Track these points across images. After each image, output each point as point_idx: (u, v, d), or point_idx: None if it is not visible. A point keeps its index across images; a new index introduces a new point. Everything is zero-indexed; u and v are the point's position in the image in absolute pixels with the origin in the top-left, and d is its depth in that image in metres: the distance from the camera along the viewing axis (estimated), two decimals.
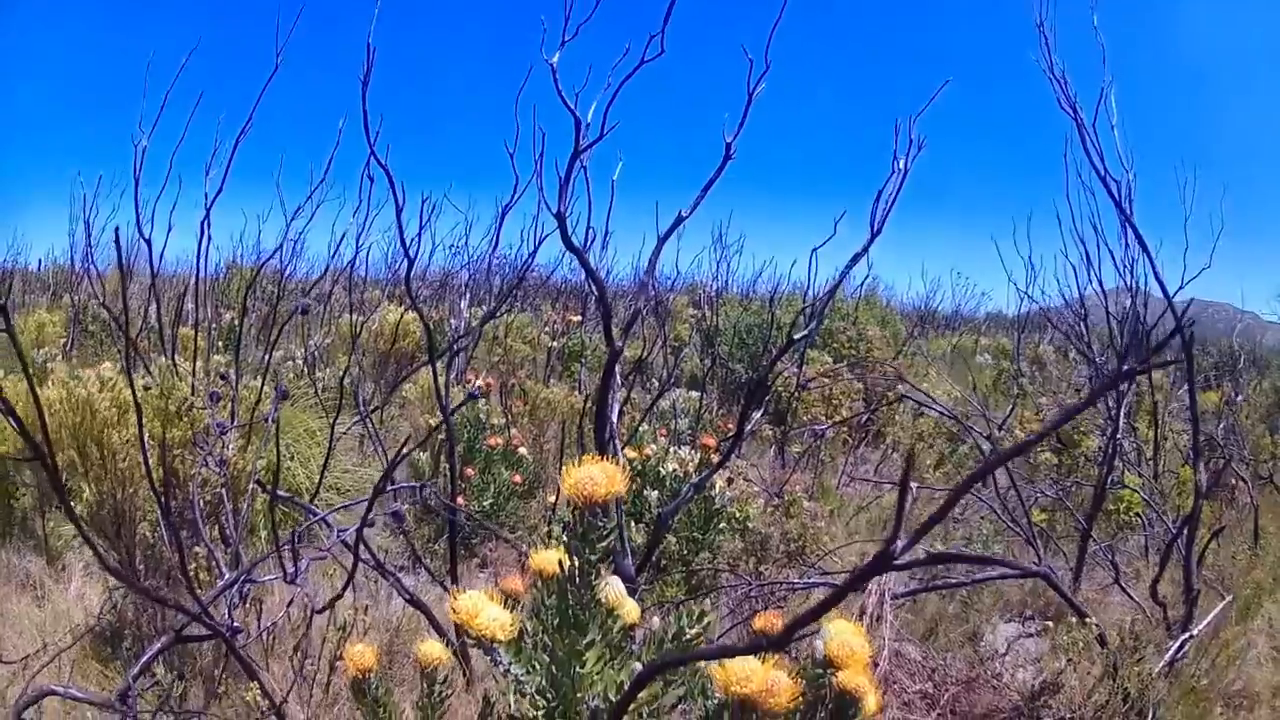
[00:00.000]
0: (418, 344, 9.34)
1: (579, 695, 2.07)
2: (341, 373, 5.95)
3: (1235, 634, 3.83)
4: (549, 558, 2.21)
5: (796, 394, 8.26)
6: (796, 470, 6.60)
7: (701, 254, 22.85)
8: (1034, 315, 14.24)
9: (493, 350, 9.92)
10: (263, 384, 5.06)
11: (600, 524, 2.01)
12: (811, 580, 4.01)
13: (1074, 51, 4.57)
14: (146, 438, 3.50)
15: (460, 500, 4.85)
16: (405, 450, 2.87)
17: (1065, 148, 4.73)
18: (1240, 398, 9.43)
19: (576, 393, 8.16)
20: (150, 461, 3.30)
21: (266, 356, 6.06)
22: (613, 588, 2.06)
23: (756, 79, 3.65)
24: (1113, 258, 5.49)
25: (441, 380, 3.95)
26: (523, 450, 6.21)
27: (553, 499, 5.43)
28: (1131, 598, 4.25)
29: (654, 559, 4.45)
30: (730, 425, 6.36)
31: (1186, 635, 3.64)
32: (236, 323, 8.15)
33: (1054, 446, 7.04)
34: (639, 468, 5.35)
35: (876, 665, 3.33)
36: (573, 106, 3.60)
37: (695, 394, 8.13)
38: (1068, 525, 5.95)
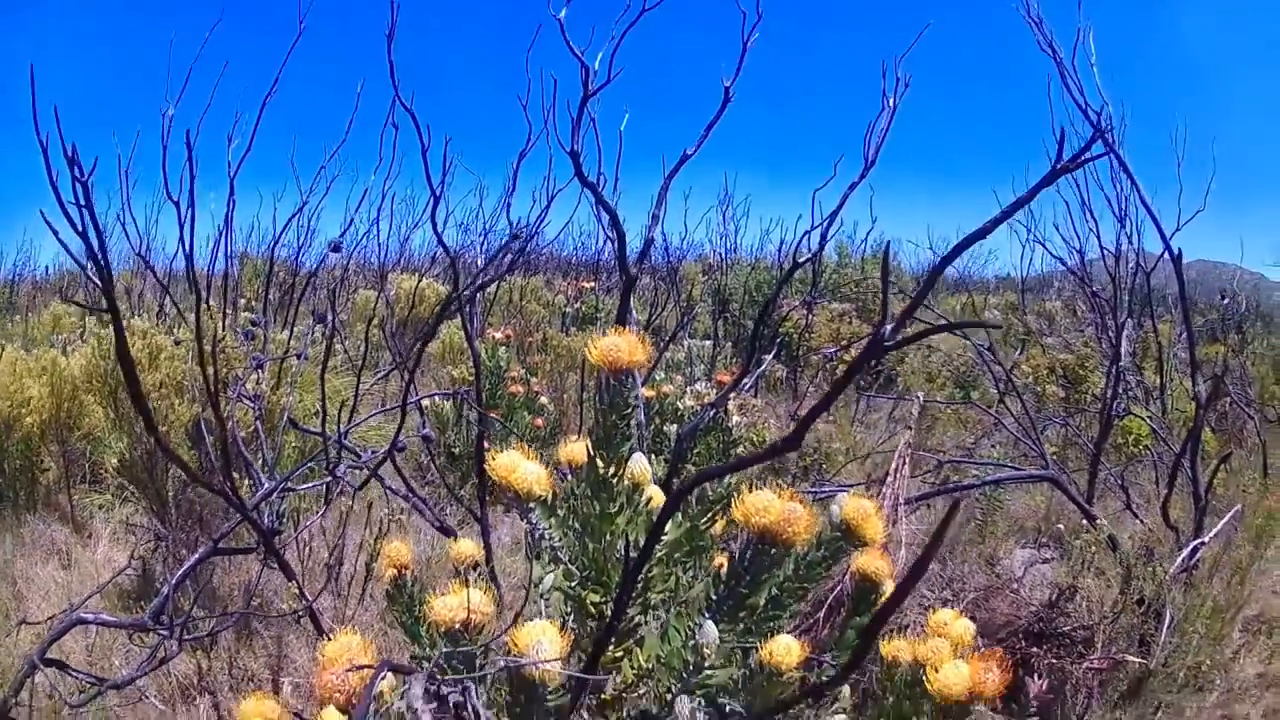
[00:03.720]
0: (433, 310, 9.46)
1: (609, 563, 2.18)
2: (365, 330, 6.09)
3: (1248, 555, 3.91)
4: (578, 447, 2.34)
5: (809, 310, 8.38)
6: (809, 397, 6.72)
7: (709, 212, 22.77)
8: (1040, 275, 14.34)
9: (508, 312, 10.08)
10: (289, 339, 5.21)
11: (625, 389, 2.14)
12: (826, 489, 4.13)
13: (1056, 5, 4.71)
14: (181, 380, 3.65)
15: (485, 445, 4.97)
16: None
17: (1048, 87, 4.81)
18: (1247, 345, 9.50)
19: None
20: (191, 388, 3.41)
21: (289, 330, 6.21)
22: (638, 463, 2.17)
23: (749, 29, 3.87)
24: (1108, 201, 5.55)
25: (465, 325, 4.11)
26: (544, 399, 6.35)
27: (575, 439, 5.55)
28: (1143, 523, 4.34)
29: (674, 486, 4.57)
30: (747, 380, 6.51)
31: (1198, 541, 3.72)
32: (259, 295, 8.30)
33: (1062, 383, 7.18)
34: (657, 406, 5.48)
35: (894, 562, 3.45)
36: (580, 55, 3.78)
37: (709, 343, 8.27)
38: (1079, 461, 6.05)
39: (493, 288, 9.39)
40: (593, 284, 12.28)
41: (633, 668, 2.15)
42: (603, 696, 2.16)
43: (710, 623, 1.92)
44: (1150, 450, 5.82)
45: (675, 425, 5.30)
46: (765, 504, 1.88)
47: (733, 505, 1.95)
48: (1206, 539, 3.71)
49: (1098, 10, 4.73)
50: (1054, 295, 14.22)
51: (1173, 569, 3.46)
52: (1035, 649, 3.43)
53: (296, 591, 2.62)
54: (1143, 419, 5.79)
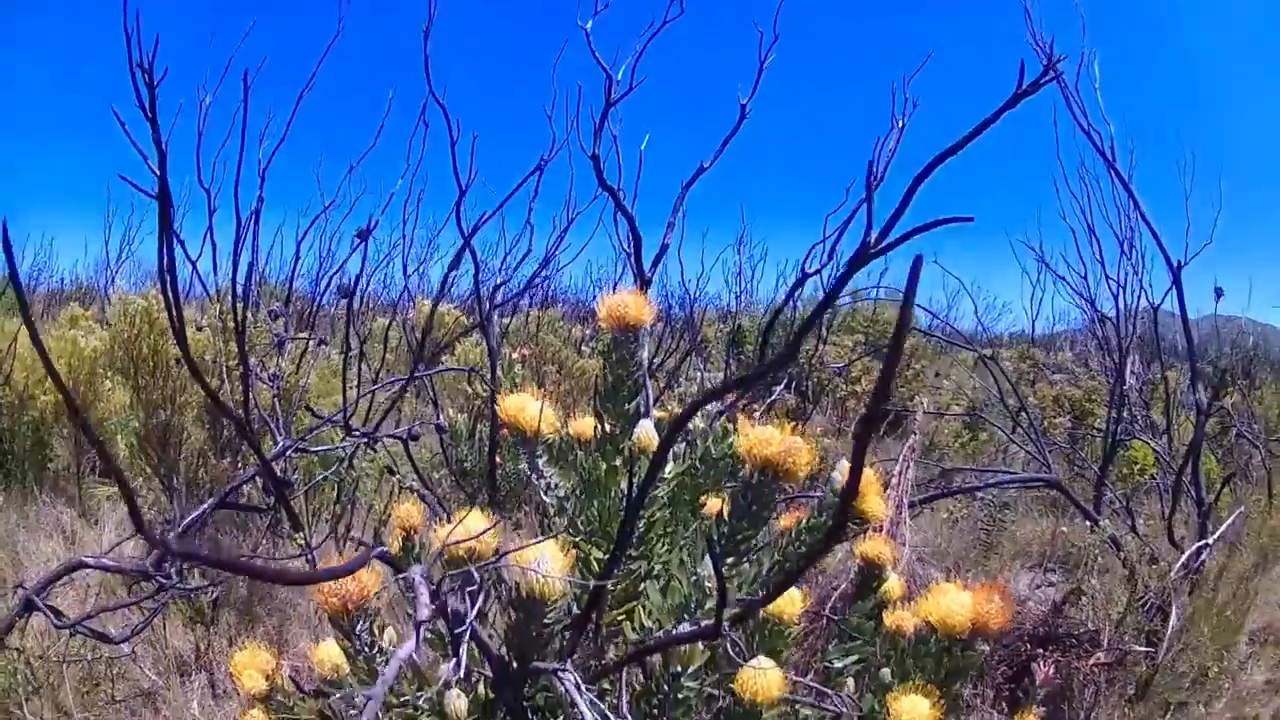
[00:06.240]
0: (450, 332, 9.52)
1: (613, 518, 2.19)
2: (383, 350, 6.15)
3: (1252, 564, 3.92)
4: (585, 422, 2.38)
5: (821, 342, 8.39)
6: (817, 411, 6.74)
7: (725, 251, 22.95)
8: (1050, 333, 14.43)
9: (525, 341, 10.17)
10: (309, 336, 5.28)
11: (631, 346, 2.19)
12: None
13: (1061, 33, 4.79)
14: (208, 356, 3.72)
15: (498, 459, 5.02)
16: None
17: (1054, 112, 4.86)
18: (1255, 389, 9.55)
19: None
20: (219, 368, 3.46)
21: (309, 329, 6.27)
22: (645, 428, 2.20)
23: (766, 49, 4.01)
24: (1113, 230, 5.53)
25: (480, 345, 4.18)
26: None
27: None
28: (1149, 546, 4.39)
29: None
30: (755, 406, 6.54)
31: (1202, 542, 3.75)
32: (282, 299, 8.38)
33: (1070, 418, 7.24)
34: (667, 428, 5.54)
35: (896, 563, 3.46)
36: (605, 65, 3.91)
37: (721, 376, 8.33)
38: (1086, 491, 6.08)
39: (509, 319, 9.43)
40: None
41: (634, 629, 2.17)
42: (604, 662, 2.17)
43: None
44: (1156, 479, 5.84)
45: (684, 443, 5.34)
46: (768, 436, 1.90)
47: (737, 442, 1.99)
48: (1210, 540, 3.74)
49: (1105, 42, 4.78)
50: (1065, 346, 14.31)
51: (1176, 566, 3.48)
52: (1041, 649, 3.44)
53: (302, 542, 2.66)
54: (1147, 443, 5.80)
